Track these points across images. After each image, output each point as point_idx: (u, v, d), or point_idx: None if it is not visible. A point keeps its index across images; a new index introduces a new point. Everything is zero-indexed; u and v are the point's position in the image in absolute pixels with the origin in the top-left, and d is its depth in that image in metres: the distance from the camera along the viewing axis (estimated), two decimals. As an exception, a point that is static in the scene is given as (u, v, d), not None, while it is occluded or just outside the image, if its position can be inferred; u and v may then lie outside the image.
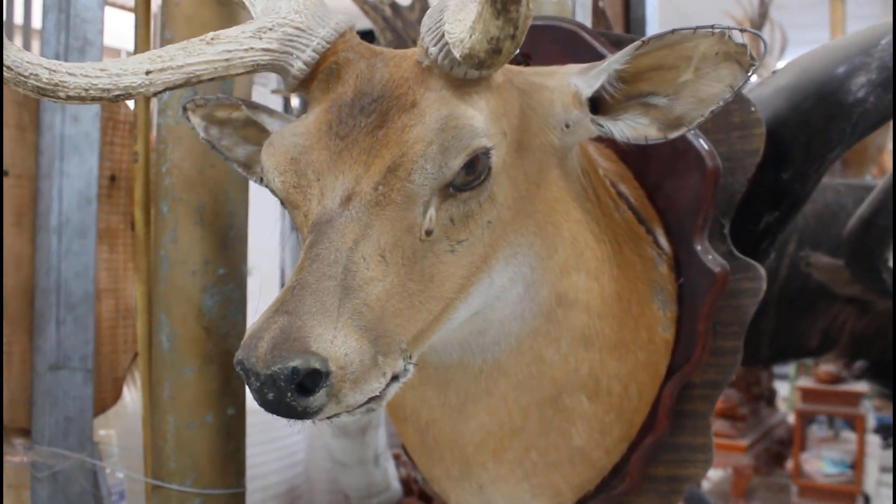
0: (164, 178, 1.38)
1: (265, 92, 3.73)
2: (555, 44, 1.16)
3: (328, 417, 0.73)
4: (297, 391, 0.69)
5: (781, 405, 5.00)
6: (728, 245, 1.13)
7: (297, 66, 0.85)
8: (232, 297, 1.40)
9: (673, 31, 0.83)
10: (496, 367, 0.97)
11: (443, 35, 0.79)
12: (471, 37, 0.75)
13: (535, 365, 0.97)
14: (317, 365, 0.68)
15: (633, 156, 1.14)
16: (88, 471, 1.53)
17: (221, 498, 1.39)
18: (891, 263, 1.66)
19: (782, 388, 5.26)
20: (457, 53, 0.77)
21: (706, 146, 1.09)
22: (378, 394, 0.74)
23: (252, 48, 0.84)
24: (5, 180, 1.50)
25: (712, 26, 0.82)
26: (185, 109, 1.05)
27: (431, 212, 0.79)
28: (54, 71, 0.78)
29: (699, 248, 1.10)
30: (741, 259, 1.12)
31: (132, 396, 2.07)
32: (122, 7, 2.50)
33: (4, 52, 0.77)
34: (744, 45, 0.83)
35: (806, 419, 4.28)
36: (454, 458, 1.07)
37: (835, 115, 1.17)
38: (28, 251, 1.54)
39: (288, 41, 0.85)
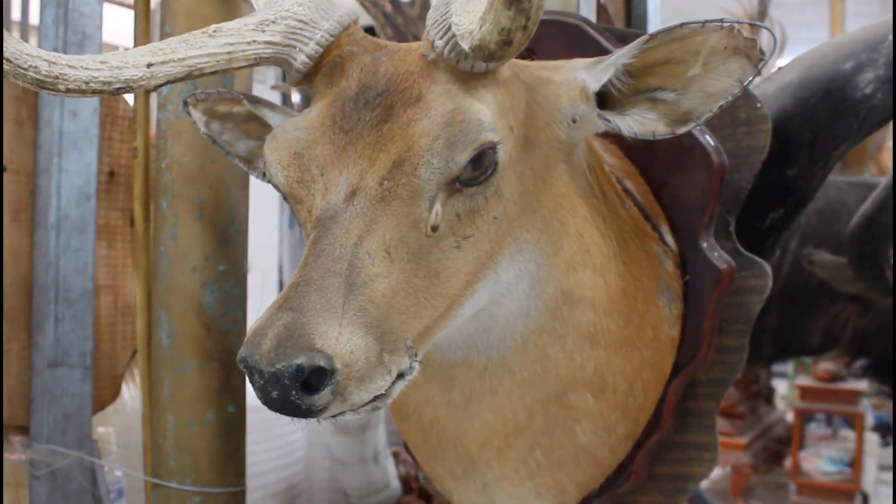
0: (163, 174, 1.36)
1: (264, 88, 3.72)
2: (559, 38, 1.15)
3: (333, 416, 0.72)
4: (302, 389, 0.68)
5: (780, 403, 5.01)
6: (734, 242, 1.12)
7: (301, 59, 0.84)
8: (232, 294, 1.39)
9: (682, 25, 0.83)
10: (501, 364, 0.96)
11: (449, 27, 0.78)
12: (481, 28, 0.74)
13: (540, 362, 0.97)
14: (322, 363, 0.67)
15: (638, 152, 1.13)
16: (87, 468, 1.52)
17: (221, 496, 1.38)
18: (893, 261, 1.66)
19: (781, 387, 5.26)
20: (466, 45, 0.76)
21: (712, 142, 1.09)
22: (383, 392, 0.73)
23: (255, 41, 0.83)
24: (4, 176, 1.49)
25: (721, 20, 0.81)
26: (185, 104, 1.04)
27: (437, 207, 0.78)
28: (54, 63, 0.77)
29: (705, 245, 1.09)
30: (747, 256, 1.12)
31: (131, 394, 2.06)
32: (121, 4, 2.49)
33: (4, 44, 0.75)
34: (753, 40, 0.82)
35: (804, 417, 4.28)
36: (458, 457, 1.06)
37: (841, 111, 1.17)
38: (26, 247, 1.52)
39: (291, 34, 0.84)
